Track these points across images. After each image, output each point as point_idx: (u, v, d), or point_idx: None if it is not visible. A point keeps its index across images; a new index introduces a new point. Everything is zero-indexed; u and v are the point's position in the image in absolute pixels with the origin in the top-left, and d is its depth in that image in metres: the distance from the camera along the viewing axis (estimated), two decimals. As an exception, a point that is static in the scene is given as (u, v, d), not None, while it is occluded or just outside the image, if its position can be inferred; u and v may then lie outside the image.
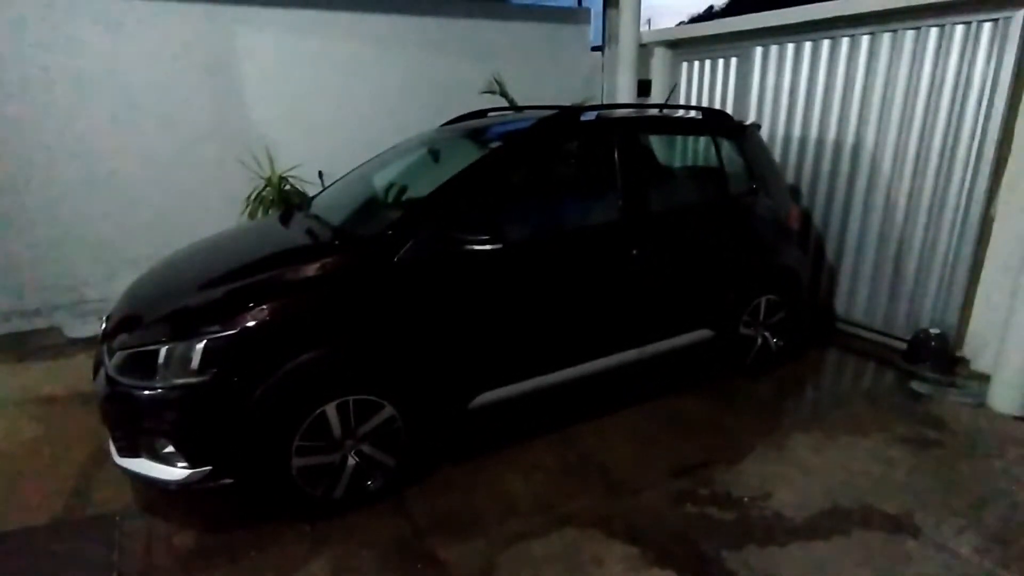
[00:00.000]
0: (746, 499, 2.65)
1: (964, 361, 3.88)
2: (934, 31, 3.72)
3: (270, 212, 4.63)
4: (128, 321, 2.56)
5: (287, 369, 2.29)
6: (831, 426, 3.25)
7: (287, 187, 4.88)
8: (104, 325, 2.72)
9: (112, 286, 3.29)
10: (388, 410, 2.54)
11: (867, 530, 2.46)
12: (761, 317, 3.77)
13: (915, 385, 3.71)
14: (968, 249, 3.75)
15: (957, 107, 3.69)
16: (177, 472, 2.30)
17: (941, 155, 3.82)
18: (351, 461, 2.52)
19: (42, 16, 4.27)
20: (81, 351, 4.12)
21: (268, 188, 4.83)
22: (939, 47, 3.72)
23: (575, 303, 3.06)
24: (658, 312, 3.40)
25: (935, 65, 3.75)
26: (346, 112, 5.39)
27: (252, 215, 4.73)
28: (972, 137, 3.64)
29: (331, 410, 2.41)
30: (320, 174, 4.06)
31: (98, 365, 2.57)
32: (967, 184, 3.70)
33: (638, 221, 3.17)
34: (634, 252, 3.12)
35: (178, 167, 4.85)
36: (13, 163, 4.37)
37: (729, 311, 3.64)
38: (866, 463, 2.91)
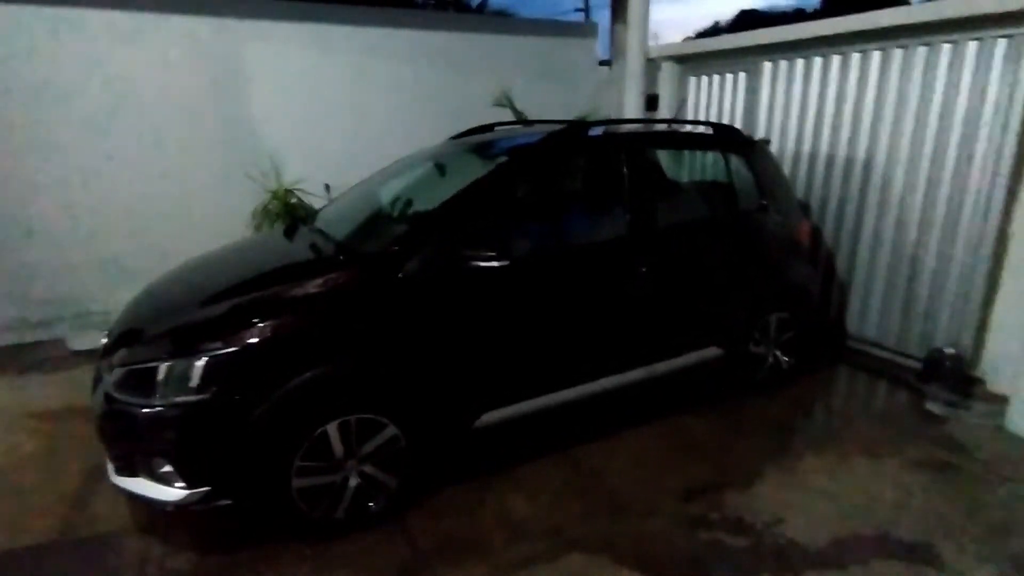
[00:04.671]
0: (758, 524, 2.57)
1: (980, 381, 3.78)
2: (947, 47, 3.68)
3: (275, 225, 4.61)
4: (128, 337, 2.52)
5: (288, 387, 2.25)
6: (844, 448, 3.17)
7: (293, 200, 4.88)
8: (106, 340, 2.69)
9: (117, 299, 3.28)
10: (391, 430, 2.49)
11: (885, 558, 2.38)
12: (771, 335, 3.71)
13: (930, 406, 3.62)
14: (984, 266, 3.67)
15: (972, 122, 3.62)
16: (174, 492, 2.25)
17: (955, 171, 3.75)
18: (353, 482, 2.47)
19: (50, 32, 4.30)
20: (84, 364, 4.08)
21: (274, 201, 4.83)
22: (952, 63, 3.67)
23: (582, 321, 3.01)
24: (666, 330, 3.35)
25: (948, 81, 3.70)
26: (353, 126, 5.40)
27: (258, 228, 4.73)
28: (987, 152, 3.57)
29: (333, 429, 2.36)
30: (326, 187, 4.05)
31: (97, 381, 2.53)
32: (983, 200, 3.63)
33: (646, 237, 3.13)
34: (642, 269, 3.07)
35: (184, 180, 4.86)
36: (20, 177, 4.38)
37: (739, 329, 3.58)
38: (881, 487, 2.83)
